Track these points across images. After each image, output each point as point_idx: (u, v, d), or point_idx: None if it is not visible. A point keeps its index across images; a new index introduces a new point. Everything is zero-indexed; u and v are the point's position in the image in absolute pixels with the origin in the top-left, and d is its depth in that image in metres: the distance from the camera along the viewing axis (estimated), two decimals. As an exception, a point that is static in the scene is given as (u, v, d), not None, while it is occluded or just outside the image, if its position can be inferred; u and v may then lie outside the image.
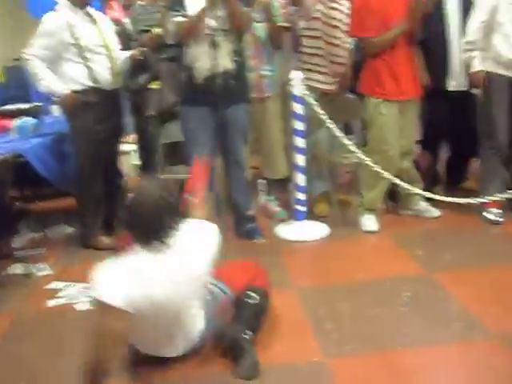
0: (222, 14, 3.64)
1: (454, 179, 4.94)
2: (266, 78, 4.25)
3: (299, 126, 4.02)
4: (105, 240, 4.02)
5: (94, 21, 3.89)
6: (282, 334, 2.78)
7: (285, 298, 3.14)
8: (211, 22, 3.63)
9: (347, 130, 4.96)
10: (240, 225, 4.09)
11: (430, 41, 4.28)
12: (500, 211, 4.17)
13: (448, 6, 4.30)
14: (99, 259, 2.29)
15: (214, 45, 3.63)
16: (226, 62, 3.65)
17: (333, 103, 4.31)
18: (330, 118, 4.07)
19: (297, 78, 3.97)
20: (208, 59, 3.63)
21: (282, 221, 4.35)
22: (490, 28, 4.02)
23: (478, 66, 4.07)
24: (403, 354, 2.58)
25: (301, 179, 4.09)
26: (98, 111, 3.86)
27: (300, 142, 4.04)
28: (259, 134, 4.37)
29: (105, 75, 3.88)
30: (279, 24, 4.24)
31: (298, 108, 4.01)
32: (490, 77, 4.05)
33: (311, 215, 4.28)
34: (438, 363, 2.51)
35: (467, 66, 4.18)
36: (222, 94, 3.69)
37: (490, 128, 4.15)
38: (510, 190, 4.09)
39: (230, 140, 3.88)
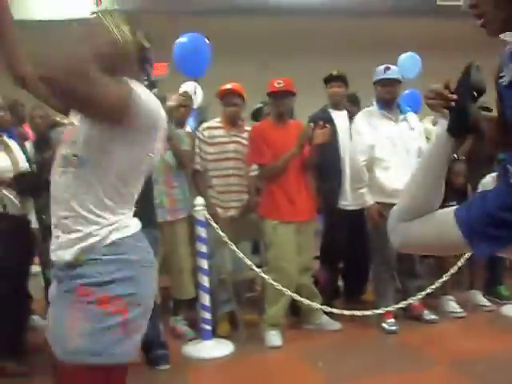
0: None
1: (352, 292, 5.22)
2: (179, 202, 4.46)
3: (203, 248, 4.22)
4: (13, 365, 3.90)
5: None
6: None
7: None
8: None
9: (255, 249, 5.20)
10: (149, 350, 3.93)
11: (325, 166, 4.69)
12: (394, 321, 4.45)
13: (340, 137, 4.77)
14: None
15: None
16: None
17: (239, 223, 4.57)
18: (237, 238, 4.30)
19: (199, 203, 4.22)
20: None
21: (190, 340, 4.42)
22: (371, 164, 4.49)
23: (369, 200, 4.49)
24: None
25: (205, 299, 4.23)
26: (7, 239, 3.81)
27: (204, 263, 4.22)
28: (168, 255, 4.48)
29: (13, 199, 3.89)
30: (184, 148, 4.51)
31: (201, 231, 4.22)
32: (379, 206, 4.46)
33: (218, 334, 4.39)
34: None
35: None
36: None
37: (381, 245, 4.48)
38: (403, 300, 4.42)
39: None
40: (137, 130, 1.81)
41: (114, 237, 1.81)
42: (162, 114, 1.91)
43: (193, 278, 4.54)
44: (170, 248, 4.46)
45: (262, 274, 4.23)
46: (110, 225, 1.81)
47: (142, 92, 1.81)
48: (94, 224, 1.80)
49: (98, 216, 1.80)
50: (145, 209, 3.75)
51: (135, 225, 1.91)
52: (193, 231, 4.45)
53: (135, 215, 1.93)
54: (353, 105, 5.27)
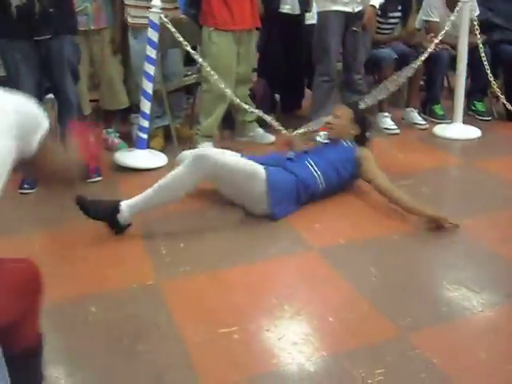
0: None
1: (288, 106, 5.16)
2: (104, 10, 4.09)
3: (152, 53, 3.94)
4: None
5: None
6: (117, 261, 2.83)
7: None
8: None
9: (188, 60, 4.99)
10: None
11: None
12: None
13: None
14: None
15: None
16: None
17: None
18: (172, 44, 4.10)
19: (156, 4, 3.88)
20: None
21: (123, 152, 4.31)
22: None
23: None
24: (232, 271, 2.72)
25: (147, 106, 4.02)
26: None
27: (151, 69, 3.97)
28: (98, 66, 4.22)
29: None
30: None
31: (152, 35, 3.92)
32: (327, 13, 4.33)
33: (151, 148, 4.27)
34: (270, 274, 2.71)
35: None
36: (42, 24, 3.38)
37: (323, 55, 4.41)
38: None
39: (57, 76, 3.62)
40: None
41: None
42: None
43: (125, 87, 4.35)
44: (98, 58, 4.19)
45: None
46: None
47: None
48: None
49: None
50: (64, 15, 3.50)
51: None
52: (124, 39, 4.23)
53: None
54: None
